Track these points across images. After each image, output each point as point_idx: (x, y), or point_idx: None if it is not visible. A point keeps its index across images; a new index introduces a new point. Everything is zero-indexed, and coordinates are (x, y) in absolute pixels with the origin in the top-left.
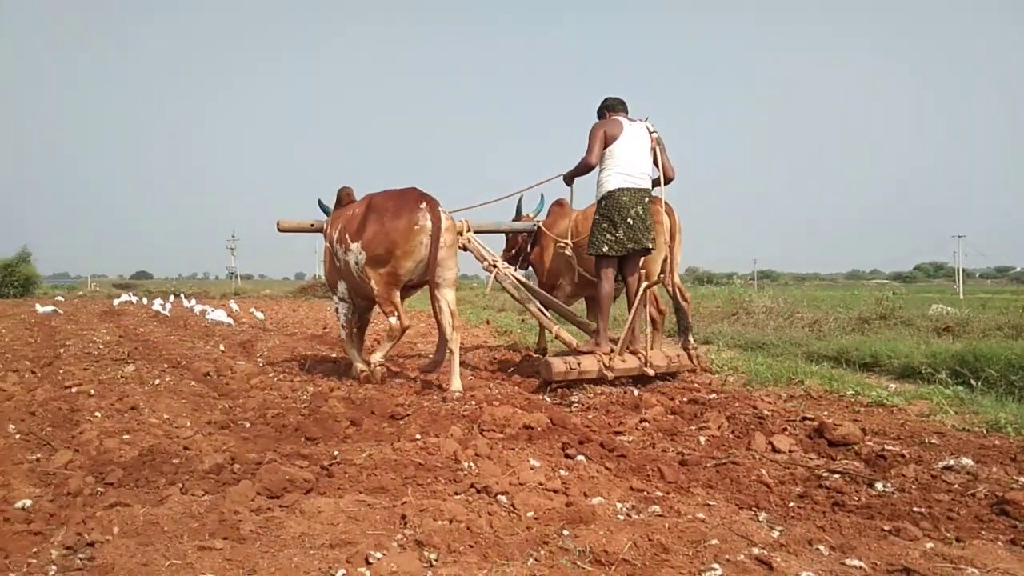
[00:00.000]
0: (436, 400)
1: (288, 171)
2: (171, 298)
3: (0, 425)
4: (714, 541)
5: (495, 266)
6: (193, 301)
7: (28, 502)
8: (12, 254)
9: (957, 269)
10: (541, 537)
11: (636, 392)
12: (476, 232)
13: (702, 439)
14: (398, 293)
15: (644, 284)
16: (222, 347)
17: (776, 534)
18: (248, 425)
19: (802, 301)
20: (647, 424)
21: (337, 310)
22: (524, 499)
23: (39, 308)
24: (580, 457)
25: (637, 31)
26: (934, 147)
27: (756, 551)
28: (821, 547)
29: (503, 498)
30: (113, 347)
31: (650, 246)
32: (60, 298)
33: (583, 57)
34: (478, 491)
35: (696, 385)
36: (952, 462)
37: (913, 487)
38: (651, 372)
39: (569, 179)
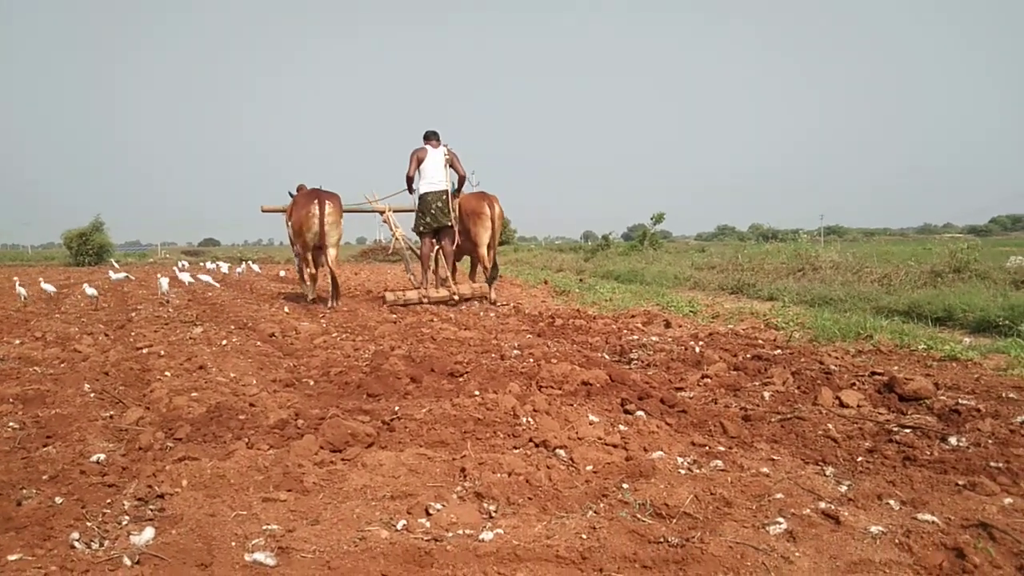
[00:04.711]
0: (494, 358)
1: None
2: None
3: (76, 384)
4: (779, 495)
5: (395, 234)
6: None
7: (102, 456)
8: (87, 223)
9: None
10: (600, 490)
11: (698, 349)
12: (395, 212)
13: (766, 395)
14: (310, 255)
15: (436, 248)
16: (286, 309)
17: (844, 488)
18: (312, 383)
19: (871, 256)
20: (709, 380)
21: (296, 256)
22: (583, 453)
23: (112, 275)
24: (640, 412)
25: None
26: (1008, 96)
27: (823, 505)
28: (891, 501)
29: (562, 452)
30: (182, 310)
31: (447, 223)
32: (115, 263)
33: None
34: (536, 445)
35: (760, 341)
36: None
37: (989, 442)
38: (456, 297)
39: (408, 188)
